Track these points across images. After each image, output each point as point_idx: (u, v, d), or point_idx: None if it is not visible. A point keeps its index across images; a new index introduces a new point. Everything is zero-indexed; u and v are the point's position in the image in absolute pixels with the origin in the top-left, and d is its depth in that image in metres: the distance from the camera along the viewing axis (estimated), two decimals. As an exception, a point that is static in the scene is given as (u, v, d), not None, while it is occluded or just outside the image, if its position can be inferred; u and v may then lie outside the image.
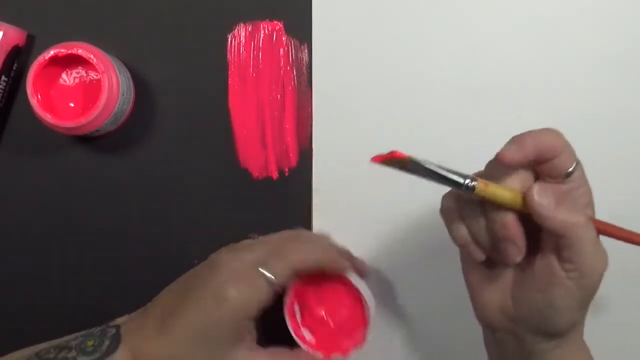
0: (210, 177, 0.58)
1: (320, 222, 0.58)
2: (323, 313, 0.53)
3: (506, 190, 0.40)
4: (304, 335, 0.52)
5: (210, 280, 0.47)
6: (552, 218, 0.40)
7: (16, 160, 0.58)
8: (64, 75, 0.55)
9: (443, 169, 0.40)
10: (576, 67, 0.57)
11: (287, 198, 0.58)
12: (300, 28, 0.57)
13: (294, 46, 0.57)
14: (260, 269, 0.47)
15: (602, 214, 0.54)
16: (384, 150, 0.58)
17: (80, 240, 0.58)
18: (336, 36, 0.57)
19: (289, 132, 0.58)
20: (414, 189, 0.56)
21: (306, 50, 0.57)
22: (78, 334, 0.50)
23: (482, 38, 0.57)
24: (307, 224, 0.58)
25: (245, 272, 0.47)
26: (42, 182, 0.58)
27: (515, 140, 0.41)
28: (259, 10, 0.57)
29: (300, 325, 0.52)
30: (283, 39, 0.57)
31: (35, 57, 0.52)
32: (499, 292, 0.44)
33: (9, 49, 0.55)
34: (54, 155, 0.58)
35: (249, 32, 0.57)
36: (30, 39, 0.57)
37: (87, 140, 0.58)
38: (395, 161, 0.41)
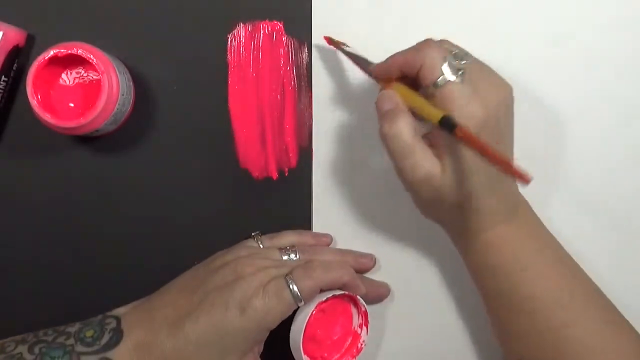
0: (210, 177, 0.58)
1: (320, 222, 0.58)
2: (325, 332, 0.53)
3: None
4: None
5: (235, 287, 0.48)
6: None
7: (16, 160, 0.58)
8: (63, 76, 0.55)
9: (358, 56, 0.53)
10: (577, 65, 0.57)
11: (287, 198, 0.58)
12: (300, 28, 0.57)
13: (294, 46, 0.57)
14: (289, 284, 0.48)
15: (600, 210, 0.54)
16: (383, 152, 0.58)
17: (80, 240, 0.58)
18: (336, 36, 0.57)
19: (288, 132, 0.58)
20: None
21: (306, 50, 0.57)
22: (76, 323, 0.50)
23: (483, 38, 0.57)
24: (307, 224, 0.58)
25: (272, 285, 0.48)
26: (42, 182, 0.58)
27: (387, 59, 0.49)
28: (259, 10, 0.57)
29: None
30: (283, 39, 0.57)
31: (35, 57, 0.52)
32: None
33: (9, 49, 0.55)
34: (54, 155, 0.58)
35: (249, 32, 0.57)
36: (30, 39, 0.57)
37: (87, 140, 0.58)
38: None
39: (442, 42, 0.48)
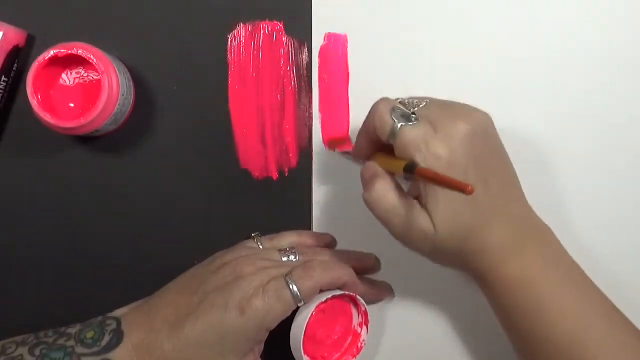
0: (210, 177, 0.58)
1: (320, 222, 0.58)
2: (324, 331, 0.53)
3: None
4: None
5: (235, 287, 0.48)
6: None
7: (16, 160, 0.58)
8: (63, 76, 0.55)
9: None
10: (577, 66, 0.57)
11: (287, 198, 0.58)
12: (300, 28, 0.57)
13: (294, 46, 0.57)
14: (289, 284, 0.48)
15: (603, 210, 0.53)
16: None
17: (79, 240, 0.58)
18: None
19: (288, 132, 0.58)
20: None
21: (306, 50, 0.57)
22: (76, 324, 0.50)
23: (484, 39, 0.57)
24: (307, 224, 0.58)
25: (272, 285, 0.48)
26: (42, 182, 0.58)
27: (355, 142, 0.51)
28: (259, 10, 0.57)
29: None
30: (283, 39, 0.57)
31: (35, 57, 0.52)
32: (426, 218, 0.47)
33: (9, 49, 0.55)
34: (54, 155, 0.58)
35: (249, 32, 0.57)
36: (30, 39, 0.57)
37: (87, 140, 0.58)
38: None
39: (392, 99, 0.48)
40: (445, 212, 0.45)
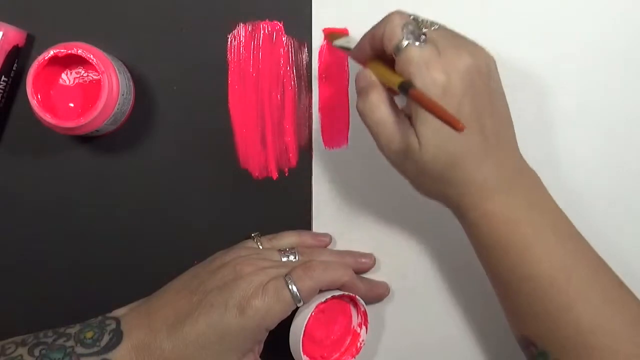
0: (210, 177, 0.58)
1: (320, 222, 0.58)
2: (324, 331, 0.53)
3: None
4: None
5: (235, 287, 0.48)
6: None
7: (16, 160, 0.58)
8: (63, 76, 0.55)
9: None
10: (578, 64, 0.57)
11: (286, 198, 0.58)
12: (300, 28, 0.57)
13: (294, 46, 0.57)
14: (289, 284, 0.48)
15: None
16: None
17: (80, 240, 0.58)
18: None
19: (288, 132, 0.58)
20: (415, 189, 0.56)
21: (306, 50, 0.57)
22: (76, 324, 0.50)
23: (485, 38, 0.57)
24: (307, 224, 0.58)
25: (272, 285, 0.48)
26: (42, 182, 0.58)
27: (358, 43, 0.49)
28: (259, 10, 0.57)
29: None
30: (283, 39, 0.57)
31: (35, 57, 0.52)
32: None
33: (9, 49, 0.55)
34: (54, 155, 0.58)
35: (249, 32, 0.57)
36: (30, 39, 0.57)
37: (87, 140, 0.58)
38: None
39: (408, 14, 0.47)
40: (432, 137, 0.44)
